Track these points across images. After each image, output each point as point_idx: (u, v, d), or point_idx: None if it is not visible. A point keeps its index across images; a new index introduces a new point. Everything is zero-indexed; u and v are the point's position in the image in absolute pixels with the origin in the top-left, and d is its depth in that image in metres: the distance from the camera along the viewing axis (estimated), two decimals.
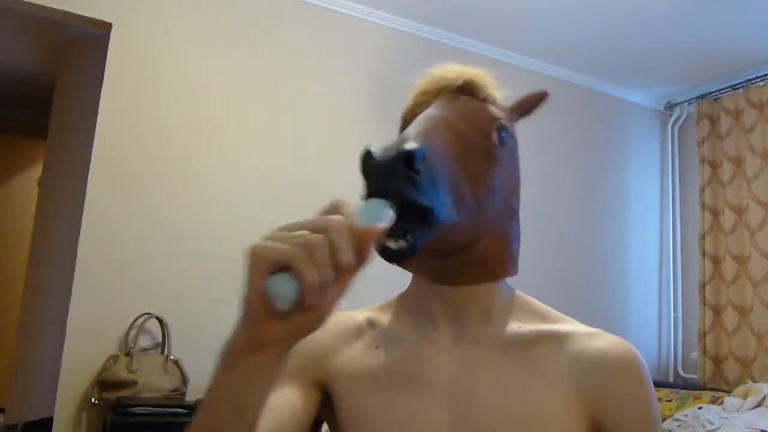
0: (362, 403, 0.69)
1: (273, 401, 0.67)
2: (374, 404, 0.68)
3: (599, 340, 0.70)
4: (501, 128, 0.70)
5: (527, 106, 0.78)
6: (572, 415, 0.66)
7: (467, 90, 0.72)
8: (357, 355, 0.73)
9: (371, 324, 0.76)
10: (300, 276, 0.46)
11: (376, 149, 0.59)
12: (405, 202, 0.56)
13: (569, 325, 0.73)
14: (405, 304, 0.77)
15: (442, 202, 0.61)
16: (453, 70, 0.73)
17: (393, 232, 0.57)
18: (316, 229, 0.48)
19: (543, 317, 0.74)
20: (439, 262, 0.70)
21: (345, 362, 0.72)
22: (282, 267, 0.47)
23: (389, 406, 0.67)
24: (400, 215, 0.56)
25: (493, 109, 0.72)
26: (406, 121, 0.73)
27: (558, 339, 0.70)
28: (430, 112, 0.67)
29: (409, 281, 0.79)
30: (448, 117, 0.67)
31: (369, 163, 0.58)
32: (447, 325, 0.71)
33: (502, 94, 0.75)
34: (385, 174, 0.57)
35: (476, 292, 0.71)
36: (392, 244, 0.57)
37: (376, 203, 0.55)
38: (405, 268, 0.74)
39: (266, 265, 0.47)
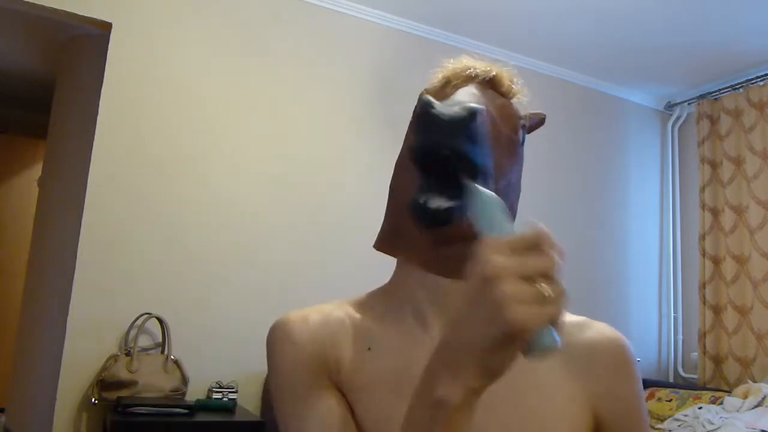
0: (369, 415, 0.64)
1: (322, 414, 0.62)
2: (376, 412, 0.64)
3: (588, 330, 0.69)
4: (524, 128, 0.70)
5: (530, 122, 0.76)
6: (574, 415, 0.65)
7: (496, 84, 0.71)
8: (353, 359, 0.67)
9: (352, 321, 0.70)
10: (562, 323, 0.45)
11: (437, 103, 0.59)
12: (450, 168, 0.58)
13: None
14: (384, 302, 0.71)
15: (489, 173, 0.62)
16: (482, 63, 0.72)
17: (438, 191, 0.59)
18: (548, 274, 0.45)
19: None
20: (439, 250, 0.65)
21: (345, 367, 0.67)
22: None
23: (389, 415, 0.63)
24: (442, 180, 0.58)
25: (518, 109, 0.71)
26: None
27: None
28: (470, 91, 0.66)
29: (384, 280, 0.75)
30: (486, 102, 0.66)
31: (432, 115, 0.59)
32: (439, 327, 0.67)
33: (524, 99, 0.74)
34: (450, 129, 0.58)
35: None
36: (438, 203, 0.59)
37: (497, 205, 0.52)
38: (397, 255, 0.70)
39: (533, 331, 0.45)
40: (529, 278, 0.45)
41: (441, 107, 0.60)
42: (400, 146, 0.72)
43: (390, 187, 0.72)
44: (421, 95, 0.70)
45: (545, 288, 0.44)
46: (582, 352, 0.68)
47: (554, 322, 0.45)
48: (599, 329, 0.70)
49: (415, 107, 0.65)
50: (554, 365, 0.67)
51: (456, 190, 0.59)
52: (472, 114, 0.59)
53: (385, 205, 0.72)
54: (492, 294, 0.44)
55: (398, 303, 0.70)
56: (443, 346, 0.50)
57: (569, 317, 0.71)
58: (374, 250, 0.73)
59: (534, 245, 0.46)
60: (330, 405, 0.64)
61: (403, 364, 0.66)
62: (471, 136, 0.59)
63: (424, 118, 0.60)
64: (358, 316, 0.70)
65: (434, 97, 0.69)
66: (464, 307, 0.48)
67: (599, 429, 0.67)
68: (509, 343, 0.45)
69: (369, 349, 0.67)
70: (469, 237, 0.64)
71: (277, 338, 0.68)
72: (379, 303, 0.72)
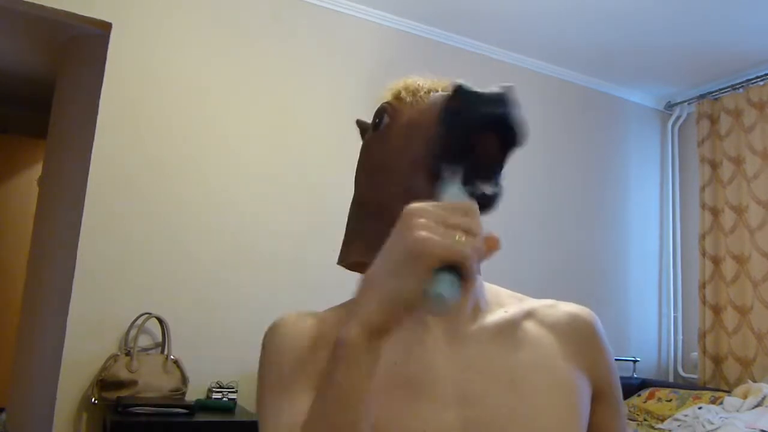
0: (380, 408, 0.63)
1: (299, 408, 0.61)
2: (381, 410, 0.63)
3: (563, 308, 0.74)
4: None
5: None
6: (580, 382, 0.69)
7: None
8: None
9: (342, 324, 0.70)
10: (467, 280, 0.47)
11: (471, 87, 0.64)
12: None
13: (531, 302, 0.76)
14: None
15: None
16: (425, 80, 0.75)
17: (483, 177, 0.61)
18: (470, 231, 0.49)
19: (517, 298, 0.76)
20: None
21: None
22: (445, 266, 0.47)
23: (398, 412, 0.63)
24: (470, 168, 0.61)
25: None
26: (396, 112, 0.72)
27: (532, 315, 0.73)
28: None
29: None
30: None
31: (477, 92, 0.62)
32: (438, 324, 0.68)
33: None
34: (510, 101, 0.61)
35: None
36: (489, 189, 0.62)
37: (457, 192, 0.57)
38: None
39: (435, 262, 0.47)
40: (447, 225, 0.48)
41: (477, 88, 0.63)
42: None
43: (362, 198, 0.74)
44: (383, 107, 0.73)
45: (459, 234, 0.48)
46: (566, 328, 0.72)
47: (456, 262, 0.47)
48: (570, 306, 0.75)
49: (445, 99, 0.67)
50: (551, 344, 0.70)
51: (494, 173, 0.63)
52: (509, 89, 0.63)
53: (354, 219, 0.74)
54: (404, 224, 0.49)
55: None
56: (358, 288, 0.53)
57: (538, 301, 0.76)
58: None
59: (462, 211, 0.50)
60: (309, 398, 0.63)
61: (405, 361, 0.66)
62: (515, 106, 0.63)
63: (467, 96, 0.63)
64: (347, 317, 0.71)
65: (397, 107, 0.72)
66: (384, 247, 0.51)
67: (593, 392, 0.71)
68: (407, 265, 0.48)
69: None
70: None
71: (270, 334, 0.70)
72: None
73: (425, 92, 0.72)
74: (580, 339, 0.72)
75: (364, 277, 0.52)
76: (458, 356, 0.67)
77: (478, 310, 0.71)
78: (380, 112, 0.74)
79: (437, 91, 0.72)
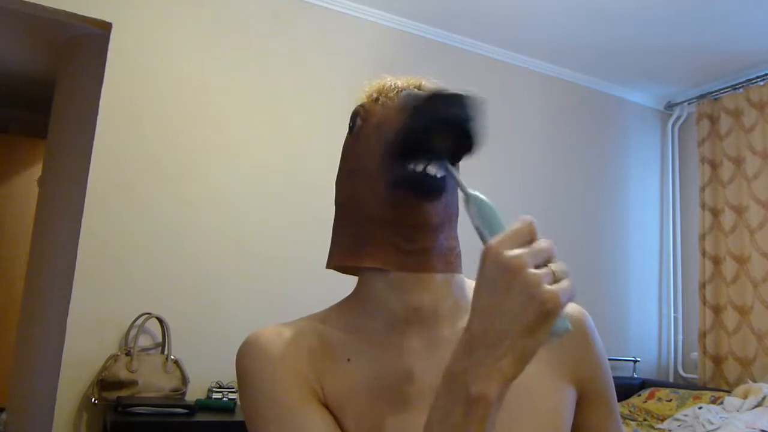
0: (358, 425, 0.63)
1: (310, 427, 0.61)
2: (363, 421, 0.63)
3: None
4: None
5: None
6: (562, 394, 0.67)
7: None
8: (333, 371, 0.66)
9: (326, 334, 0.69)
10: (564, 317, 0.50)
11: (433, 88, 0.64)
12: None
13: None
14: (354, 313, 0.71)
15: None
16: (403, 79, 0.75)
17: (431, 163, 0.61)
18: (551, 257, 0.51)
19: None
20: (406, 247, 0.66)
21: (326, 379, 0.66)
22: None
23: (380, 422, 0.63)
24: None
25: None
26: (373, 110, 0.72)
27: None
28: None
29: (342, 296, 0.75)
30: None
31: (449, 93, 0.61)
32: (414, 329, 0.67)
33: None
34: (470, 104, 0.61)
35: (448, 283, 0.69)
36: (435, 171, 0.62)
37: (495, 208, 0.58)
38: (363, 264, 0.69)
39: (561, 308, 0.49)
40: (541, 263, 0.50)
41: (436, 89, 0.63)
42: None
43: (341, 202, 0.74)
44: (356, 110, 0.72)
45: (556, 268, 0.50)
46: None
47: (573, 297, 0.49)
48: None
49: (403, 100, 0.66)
50: None
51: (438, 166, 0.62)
52: (469, 95, 0.62)
53: (334, 223, 0.74)
54: (522, 281, 0.48)
55: (369, 313, 0.70)
56: (472, 343, 0.51)
57: None
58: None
59: (531, 235, 0.51)
60: (317, 417, 0.62)
61: (385, 370, 0.66)
62: (474, 109, 0.61)
63: (420, 97, 0.61)
64: (330, 329, 0.70)
65: (369, 109, 0.71)
66: (492, 302, 0.50)
67: (580, 393, 0.71)
68: (543, 323, 0.49)
69: (348, 360, 0.67)
70: (430, 230, 0.66)
71: (251, 355, 0.67)
72: (348, 315, 0.71)
73: (396, 92, 0.71)
74: (569, 344, 0.70)
75: (481, 337, 0.51)
76: (436, 361, 0.66)
77: (457, 311, 0.69)
78: (354, 115, 0.73)
79: (409, 89, 0.71)
